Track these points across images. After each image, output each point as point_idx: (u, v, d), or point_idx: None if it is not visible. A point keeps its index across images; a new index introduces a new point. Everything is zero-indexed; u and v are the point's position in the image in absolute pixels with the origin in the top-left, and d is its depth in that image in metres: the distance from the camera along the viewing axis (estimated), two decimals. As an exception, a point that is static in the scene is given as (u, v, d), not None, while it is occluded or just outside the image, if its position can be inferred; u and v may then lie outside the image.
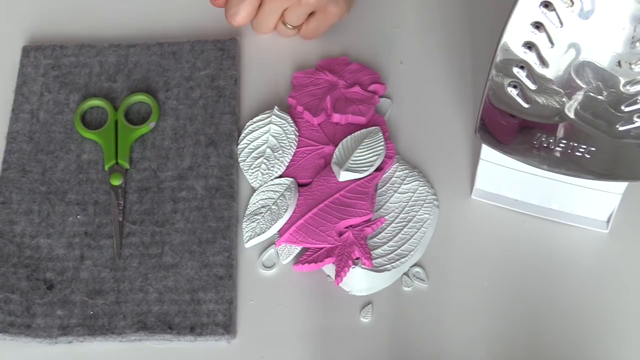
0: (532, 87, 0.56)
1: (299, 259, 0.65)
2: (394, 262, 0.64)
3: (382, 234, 0.66)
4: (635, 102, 0.54)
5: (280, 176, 0.69)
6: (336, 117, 0.71)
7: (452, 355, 0.61)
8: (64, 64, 0.74)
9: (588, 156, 0.58)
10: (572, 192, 0.65)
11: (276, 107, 0.72)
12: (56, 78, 0.73)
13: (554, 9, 0.52)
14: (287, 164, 0.69)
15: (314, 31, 0.76)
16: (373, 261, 0.64)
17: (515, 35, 0.54)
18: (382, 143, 0.69)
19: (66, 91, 0.73)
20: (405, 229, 0.66)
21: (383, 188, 0.69)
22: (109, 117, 0.71)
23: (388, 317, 0.63)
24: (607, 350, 0.61)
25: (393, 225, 0.66)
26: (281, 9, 0.74)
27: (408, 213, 0.67)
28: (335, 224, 0.65)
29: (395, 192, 0.68)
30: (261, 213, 0.67)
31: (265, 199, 0.67)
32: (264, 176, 0.68)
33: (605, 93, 0.54)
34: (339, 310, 0.63)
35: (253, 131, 0.71)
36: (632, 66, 0.52)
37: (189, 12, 0.81)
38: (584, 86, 0.54)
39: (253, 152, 0.70)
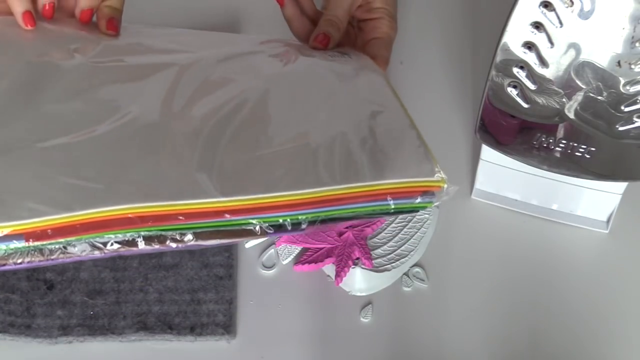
0: (532, 87, 0.56)
1: (299, 259, 0.65)
2: (394, 262, 0.64)
3: (382, 234, 0.66)
4: (635, 102, 0.54)
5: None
6: (336, 117, 0.71)
7: (452, 355, 0.61)
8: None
9: (588, 156, 0.58)
10: (572, 192, 0.65)
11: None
12: None
13: (554, 9, 0.52)
14: (287, 164, 0.69)
15: None
16: (373, 261, 0.64)
17: (515, 35, 0.54)
18: (382, 143, 0.69)
19: None
20: (405, 229, 0.66)
21: (383, 188, 0.69)
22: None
23: (388, 317, 0.63)
24: (607, 350, 0.61)
25: (393, 225, 0.66)
26: None
27: (408, 213, 0.67)
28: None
29: (395, 192, 0.68)
30: (261, 213, 0.67)
31: (266, 199, 0.68)
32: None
33: (605, 93, 0.54)
34: (339, 310, 0.63)
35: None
36: (632, 66, 0.52)
37: (189, 12, 0.81)
38: (583, 86, 0.54)
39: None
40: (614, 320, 0.62)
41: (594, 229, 0.67)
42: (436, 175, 0.52)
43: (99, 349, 0.61)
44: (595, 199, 0.65)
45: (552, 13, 0.52)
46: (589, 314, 0.63)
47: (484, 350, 0.61)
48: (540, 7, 0.52)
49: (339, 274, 0.63)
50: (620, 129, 0.55)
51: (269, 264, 0.65)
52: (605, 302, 0.63)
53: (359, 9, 0.69)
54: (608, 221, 0.67)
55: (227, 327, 0.62)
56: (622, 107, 0.54)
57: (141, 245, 0.47)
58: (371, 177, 0.51)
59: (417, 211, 0.53)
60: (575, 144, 0.58)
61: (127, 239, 0.47)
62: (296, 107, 0.57)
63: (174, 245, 0.48)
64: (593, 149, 0.58)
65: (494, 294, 0.64)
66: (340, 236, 0.65)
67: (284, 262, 0.65)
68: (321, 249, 0.65)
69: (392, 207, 0.52)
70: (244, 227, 0.49)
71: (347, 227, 0.65)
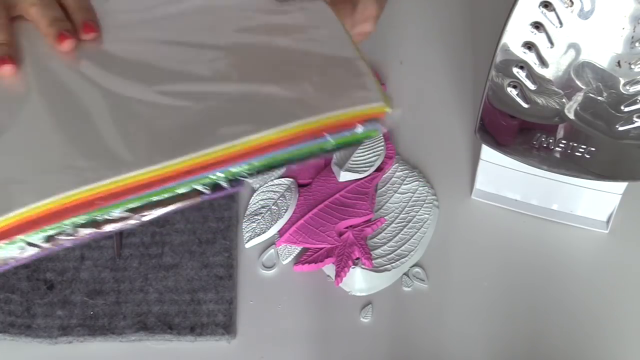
0: (532, 87, 0.56)
1: (299, 259, 0.65)
2: (394, 262, 0.64)
3: (382, 234, 0.66)
4: (634, 102, 0.54)
5: (281, 177, 0.69)
6: (336, 117, 0.71)
7: (452, 355, 0.61)
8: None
9: (588, 156, 0.58)
10: (572, 192, 0.65)
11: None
12: None
13: (554, 9, 0.52)
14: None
15: None
16: (373, 261, 0.64)
17: (515, 35, 0.54)
18: (382, 143, 0.69)
19: None
20: (405, 229, 0.66)
21: (383, 188, 0.69)
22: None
23: (388, 317, 0.63)
24: (607, 350, 0.61)
25: (393, 225, 0.66)
26: None
27: (408, 213, 0.67)
28: (335, 224, 0.65)
29: (395, 192, 0.68)
30: (261, 213, 0.67)
31: (266, 199, 0.68)
32: (264, 176, 0.68)
33: (605, 94, 0.54)
34: (339, 310, 0.63)
35: (253, 131, 0.71)
36: (632, 66, 0.52)
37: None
38: (583, 87, 0.54)
39: (253, 152, 0.70)
40: (614, 319, 0.62)
41: (594, 229, 0.67)
42: (375, 102, 0.47)
43: (99, 349, 0.61)
44: (595, 199, 0.65)
45: (552, 13, 0.52)
46: (588, 314, 0.63)
47: (484, 350, 0.61)
48: (540, 7, 0.52)
49: (339, 274, 0.63)
50: (620, 129, 0.55)
51: (269, 264, 0.65)
52: (605, 302, 0.63)
53: None
54: (608, 221, 0.67)
55: (227, 327, 0.62)
56: (622, 107, 0.54)
57: (83, 232, 0.45)
58: (302, 115, 0.47)
59: (361, 142, 0.49)
60: (575, 144, 0.58)
61: (64, 230, 0.45)
62: (213, 65, 0.51)
63: (108, 228, 0.46)
64: (593, 149, 0.58)
65: (494, 293, 0.64)
66: (340, 236, 0.65)
67: (284, 262, 0.65)
68: (321, 249, 0.65)
69: (332, 142, 0.47)
70: (176, 193, 0.47)
71: (346, 228, 0.66)
